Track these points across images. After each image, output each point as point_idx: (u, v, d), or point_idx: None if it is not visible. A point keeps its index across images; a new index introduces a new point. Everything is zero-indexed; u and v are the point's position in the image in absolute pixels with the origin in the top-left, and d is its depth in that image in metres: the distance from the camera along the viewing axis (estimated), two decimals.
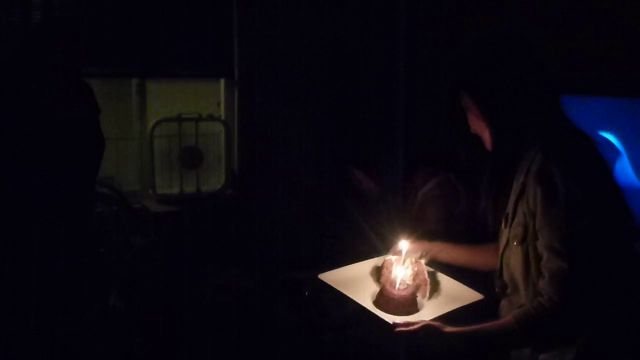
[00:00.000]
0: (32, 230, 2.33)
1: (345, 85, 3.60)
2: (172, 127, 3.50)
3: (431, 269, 1.67)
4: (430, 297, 1.60)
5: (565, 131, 1.43)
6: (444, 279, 1.68)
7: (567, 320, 1.31)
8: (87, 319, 2.55)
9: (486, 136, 1.49)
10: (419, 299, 1.60)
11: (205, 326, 2.56)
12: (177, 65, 3.56)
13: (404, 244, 1.67)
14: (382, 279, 1.61)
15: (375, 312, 1.50)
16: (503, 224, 1.51)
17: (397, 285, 1.54)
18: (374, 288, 1.63)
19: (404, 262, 1.63)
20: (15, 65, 2.41)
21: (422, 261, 1.65)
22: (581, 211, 1.29)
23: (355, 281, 1.64)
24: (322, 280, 1.63)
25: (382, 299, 1.55)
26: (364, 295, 1.58)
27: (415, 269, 1.62)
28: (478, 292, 1.62)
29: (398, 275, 1.57)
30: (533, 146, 1.41)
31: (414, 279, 1.60)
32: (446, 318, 1.47)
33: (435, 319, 1.44)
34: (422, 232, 1.75)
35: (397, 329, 1.39)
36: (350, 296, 1.56)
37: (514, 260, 1.46)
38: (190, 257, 3.01)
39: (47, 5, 3.22)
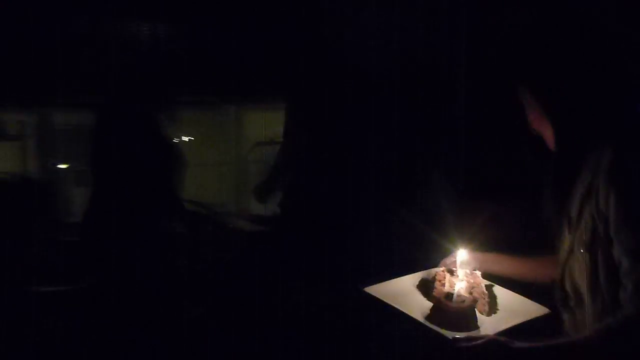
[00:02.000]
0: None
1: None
2: (267, 152, 3.57)
3: (488, 282, 1.51)
4: (490, 311, 1.44)
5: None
6: (502, 292, 1.51)
7: None
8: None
9: (548, 135, 1.32)
10: (477, 313, 1.43)
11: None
12: (273, 93, 3.62)
13: (461, 254, 1.52)
14: (436, 292, 1.47)
15: (434, 327, 1.35)
16: (566, 229, 1.33)
17: (454, 298, 1.40)
18: (425, 302, 1.49)
19: (458, 273, 1.48)
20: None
21: (478, 273, 1.49)
22: None
23: (402, 295, 1.50)
24: (369, 294, 1.50)
25: (437, 314, 1.40)
26: (415, 309, 1.43)
27: (472, 281, 1.46)
28: (541, 305, 1.43)
29: (455, 287, 1.42)
30: (601, 143, 1.23)
31: (470, 292, 1.44)
32: (510, 333, 1.30)
33: (499, 334, 1.27)
34: (476, 242, 1.57)
35: (459, 345, 1.21)
36: (403, 310, 1.42)
37: (579, 269, 1.28)
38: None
39: (154, 40, 3.43)
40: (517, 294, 1.49)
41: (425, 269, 1.60)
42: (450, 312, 1.37)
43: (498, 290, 1.51)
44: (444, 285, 1.46)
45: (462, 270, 1.49)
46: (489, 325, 1.39)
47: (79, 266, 2.88)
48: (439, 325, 1.36)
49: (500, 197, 2.15)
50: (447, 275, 1.48)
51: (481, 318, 1.43)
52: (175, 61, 3.15)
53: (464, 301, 1.39)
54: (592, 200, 1.23)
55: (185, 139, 3.75)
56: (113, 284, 2.63)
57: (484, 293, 1.45)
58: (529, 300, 1.46)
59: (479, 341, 1.19)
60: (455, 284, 1.44)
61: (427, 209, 2.42)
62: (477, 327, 1.38)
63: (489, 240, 1.59)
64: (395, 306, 1.43)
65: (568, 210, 1.32)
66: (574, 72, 1.25)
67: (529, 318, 1.38)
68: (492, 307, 1.46)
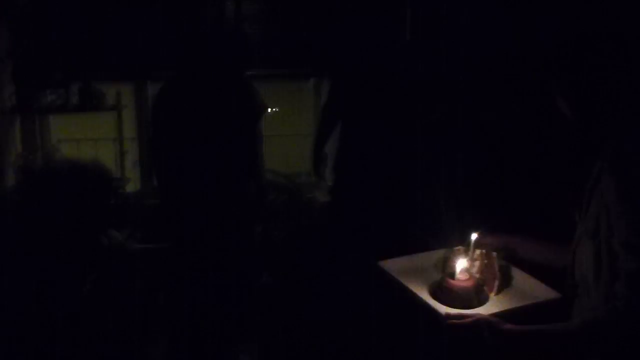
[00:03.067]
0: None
1: None
2: None
3: (504, 263, 1.48)
4: (499, 292, 1.42)
5: None
6: (518, 275, 1.48)
7: None
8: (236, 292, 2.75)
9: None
10: (488, 294, 1.43)
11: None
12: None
13: (474, 235, 1.49)
14: (447, 270, 1.46)
15: (429, 302, 1.37)
16: (577, 217, 1.26)
17: (457, 276, 1.41)
18: (436, 279, 1.47)
19: (472, 252, 1.46)
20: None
21: (494, 254, 1.46)
22: None
23: (417, 271, 1.51)
24: (381, 268, 1.54)
25: (439, 290, 1.41)
26: (423, 285, 1.44)
27: (485, 261, 1.43)
28: (556, 291, 1.40)
29: (458, 265, 1.42)
30: (612, 133, 1.20)
31: (482, 272, 1.43)
32: (509, 315, 1.30)
33: (496, 314, 1.28)
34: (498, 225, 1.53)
35: (450, 321, 1.26)
36: (406, 284, 1.44)
37: (585, 258, 1.21)
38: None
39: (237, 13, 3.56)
40: (532, 277, 1.46)
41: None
42: (451, 289, 1.38)
43: (515, 272, 1.49)
44: (454, 263, 1.42)
45: (478, 250, 1.45)
46: (493, 305, 1.38)
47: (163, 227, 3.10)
48: (442, 302, 1.37)
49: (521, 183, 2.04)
50: (460, 254, 1.45)
51: (491, 297, 1.42)
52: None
53: (468, 279, 1.40)
54: (598, 187, 1.16)
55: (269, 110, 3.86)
56: (192, 245, 2.77)
57: (495, 274, 1.42)
58: (543, 284, 1.43)
59: (469, 319, 1.22)
60: (461, 261, 1.43)
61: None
62: (480, 305, 1.38)
63: (514, 225, 1.52)
64: (400, 280, 1.45)
65: (581, 198, 1.25)
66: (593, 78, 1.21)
67: (535, 301, 1.36)
68: (503, 287, 1.43)
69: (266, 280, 2.99)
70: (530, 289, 1.42)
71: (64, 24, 3.23)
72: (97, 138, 3.75)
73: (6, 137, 3.24)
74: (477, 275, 1.41)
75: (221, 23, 3.48)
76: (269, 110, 3.89)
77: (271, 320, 2.91)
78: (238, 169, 2.69)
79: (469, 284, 1.38)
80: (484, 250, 1.47)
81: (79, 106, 3.29)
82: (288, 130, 3.75)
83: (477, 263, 1.44)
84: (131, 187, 3.58)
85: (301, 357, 2.77)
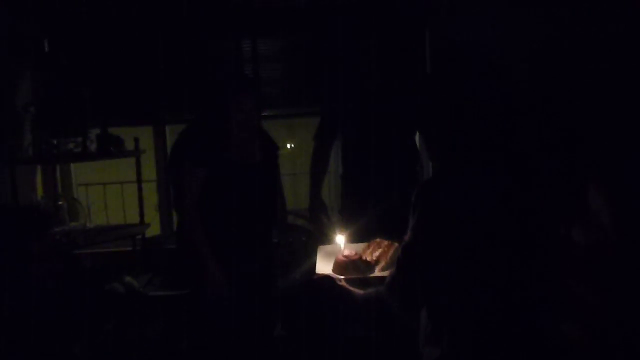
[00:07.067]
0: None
1: None
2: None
3: None
4: (383, 269, 1.84)
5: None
6: None
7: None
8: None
9: None
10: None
11: None
12: None
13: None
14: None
15: (317, 267, 1.85)
16: None
17: (343, 253, 1.86)
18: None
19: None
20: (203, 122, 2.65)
21: (394, 244, 1.89)
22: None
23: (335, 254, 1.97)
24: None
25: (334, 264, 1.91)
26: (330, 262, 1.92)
27: (385, 249, 1.90)
28: None
29: (345, 249, 1.91)
30: None
31: (380, 256, 1.86)
32: (359, 281, 1.77)
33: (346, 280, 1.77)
34: None
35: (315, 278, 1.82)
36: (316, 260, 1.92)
37: None
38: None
39: (255, 60, 3.55)
40: None
41: None
42: (335, 261, 1.85)
43: None
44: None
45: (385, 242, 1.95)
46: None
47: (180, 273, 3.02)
48: (334, 271, 1.83)
49: None
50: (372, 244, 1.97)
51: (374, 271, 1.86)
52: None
53: (350, 256, 1.84)
54: None
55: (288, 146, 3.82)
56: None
57: (386, 257, 1.85)
58: None
59: (320, 276, 1.80)
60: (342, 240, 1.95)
61: None
62: (358, 274, 1.82)
63: None
64: (316, 259, 1.93)
65: None
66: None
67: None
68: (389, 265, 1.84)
69: (279, 332, 2.87)
70: None
71: (80, 74, 3.25)
72: (122, 181, 3.74)
73: (26, 184, 3.25)
74: (373, 257, 1.86)
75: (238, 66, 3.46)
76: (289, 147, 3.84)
77: None
78: (267, 214, 2.61)
79: (347, 259, 1.82)
80: (387, 242, 1.93)
81: (97, 153, 3.27)
82: (300, 168, 3.68)
83: (379, 250, 1.89)
84: (150, 231, 3.53)
85: None
